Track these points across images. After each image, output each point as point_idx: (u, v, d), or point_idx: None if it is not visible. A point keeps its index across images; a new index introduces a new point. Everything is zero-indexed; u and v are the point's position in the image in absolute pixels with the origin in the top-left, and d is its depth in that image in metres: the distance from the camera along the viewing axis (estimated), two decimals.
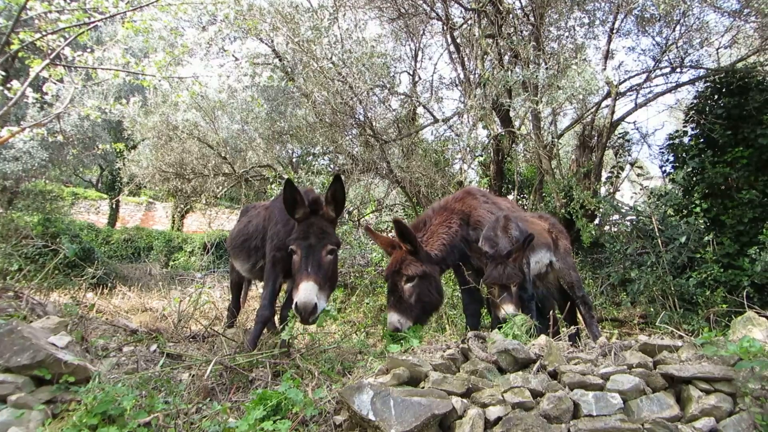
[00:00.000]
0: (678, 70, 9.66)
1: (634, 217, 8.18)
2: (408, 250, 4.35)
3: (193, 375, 3.29)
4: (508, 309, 3.91)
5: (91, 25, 6.03)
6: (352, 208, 11.27)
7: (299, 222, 3.89)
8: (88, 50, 6.51)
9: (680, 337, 3.44)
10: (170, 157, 11.05)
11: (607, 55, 10.01)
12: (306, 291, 3.47)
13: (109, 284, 8.16)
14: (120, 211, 21.62)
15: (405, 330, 4.10)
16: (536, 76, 7.54)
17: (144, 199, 21.85)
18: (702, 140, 8.74)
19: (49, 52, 5.91)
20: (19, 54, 5.87)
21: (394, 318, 4.20)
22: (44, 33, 5.70)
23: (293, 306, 3.50)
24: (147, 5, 6.03)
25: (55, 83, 6.40)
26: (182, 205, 13.50)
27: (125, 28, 6.36)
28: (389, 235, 7.10)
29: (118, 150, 11.54)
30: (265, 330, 4.78)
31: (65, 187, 20.85)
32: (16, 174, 10.85)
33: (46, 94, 6.47)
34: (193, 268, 13.85)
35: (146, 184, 12.02)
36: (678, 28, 9.20)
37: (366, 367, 3.36)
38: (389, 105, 10.47)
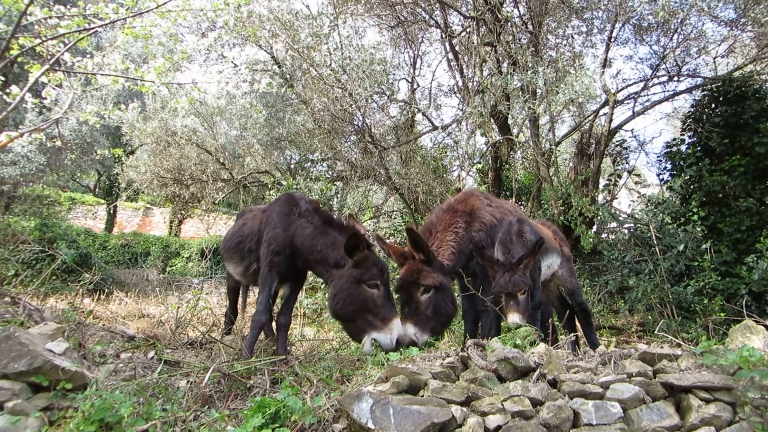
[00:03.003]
0: (675, 78, 9.72)
1: (632, 225, 8.20)
2: (421, 260, 4.19)
3: (191, 382, 3.27)
4: (513, 318, 3.80)
5: (91, 31, 6.04)
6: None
7: (359, 262, 4.09)
8: (88, 56, 6.52)
9: (679, 345, 3.44)
10: (168, 162, 11.04)
11: (605, 64, 10.05)
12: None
13: (107, 290, 8.10)
14: (117, 216, 21.56)
15: (420, 343, 3.97)
16: (535, 80, 7.56)
17: (141, 205, 21.77)
18: (699, 148, 8.79)
19: (49, 57, 5.92)
20: (19, 59, 5.88)
21: (410, 330, 4.02)
22: (44, 38, 5.71)
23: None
24: (147, 12, 6.04)
25: (54, 88, 6.40)
26: (180, 211, 13.48)
27: (125, 34, 6.37)
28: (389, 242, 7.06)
29: (116, 155, 11.52)
30: (262, 336, 4.76)
31: (63, 192, 20.78)
32: (14, 178, 10.81)
33: (45, 99, 6.46)
34: (191, 273, 13.80)
35: (144, 189, 11.98)
36: (675, 36, 9.26)
37: (365, 374, 3.33)
38: (388, 112, 10.50)
